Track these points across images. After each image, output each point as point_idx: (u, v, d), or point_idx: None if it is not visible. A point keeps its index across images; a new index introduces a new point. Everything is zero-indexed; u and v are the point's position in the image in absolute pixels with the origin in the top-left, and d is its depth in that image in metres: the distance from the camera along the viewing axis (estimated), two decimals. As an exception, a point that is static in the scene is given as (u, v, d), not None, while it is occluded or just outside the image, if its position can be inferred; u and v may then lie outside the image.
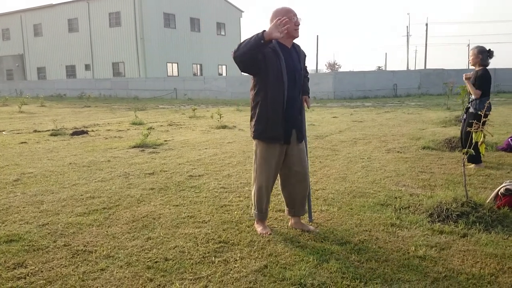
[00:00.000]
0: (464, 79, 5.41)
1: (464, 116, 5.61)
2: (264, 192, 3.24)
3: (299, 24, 3.10)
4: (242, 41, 2.91)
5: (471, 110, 5.36)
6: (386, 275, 2.59)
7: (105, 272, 2.67)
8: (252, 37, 2.85)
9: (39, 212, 3.83)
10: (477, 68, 5.35)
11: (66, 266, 2.76)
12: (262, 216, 3.33)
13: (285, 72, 3.05)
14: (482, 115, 3.79)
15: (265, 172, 3.20)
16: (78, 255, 2.92)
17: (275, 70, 3.02)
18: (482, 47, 5.35)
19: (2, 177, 5.21)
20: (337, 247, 3.01)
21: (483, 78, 5.25)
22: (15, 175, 5.33)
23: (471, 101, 5.41)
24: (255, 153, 3.26)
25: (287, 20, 2.87)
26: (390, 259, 2.81)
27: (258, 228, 3.32)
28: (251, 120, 3.22)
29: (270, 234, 3.24)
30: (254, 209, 3.36)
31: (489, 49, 5.30)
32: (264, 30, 2.83)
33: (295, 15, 3.08)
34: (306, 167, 3.32)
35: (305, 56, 3.30)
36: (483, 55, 5.28)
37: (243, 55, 2.86)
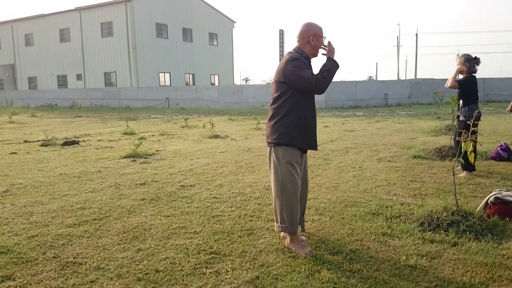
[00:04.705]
0: (456, 69, 5.48)
1: (457, 124, 5.68)
2: (294, 199, 3.11)
3: (323, 45, 3.24)
4: (317, 75, 3.04)
5: (461, 118, 5.43)
6: (378, 284, 2.59)
7: (95, 284, 2.64)
8: (332, 68, 3.09)
9: (29, 224, 3.78)
10: (465, 75, 5.44)
11: (55, 278, 2.72)
12: (295, 228, 3.12)
13: None
14: (471, 124, 3.84)
15: (294, 178, 3.11)
16: (68, 267, 2.89)
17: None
18: (468, 55, 5.44)
19: (-9, 188, 5.15)
20: (329, 256, 3.01)
21: (469, 83, 5.35)
22: (4, 186, 5.27)
23: (460, 108, 5.48)
24: (276, 163, 3.14)
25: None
26: (381, 268, 2.81)
27: (301, 250, 3.05)
28: (275, 127, 3.15)
29: (313, 252, 3.07)
30: (283, 224, 3.12)
31: (475, 57, 5.40)
32: (333, 59, 3.13)
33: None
34: (308, 176, 3.41)
35: None
36: (470, 62, 5.37)
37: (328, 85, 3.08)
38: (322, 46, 3.22)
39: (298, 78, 3.03)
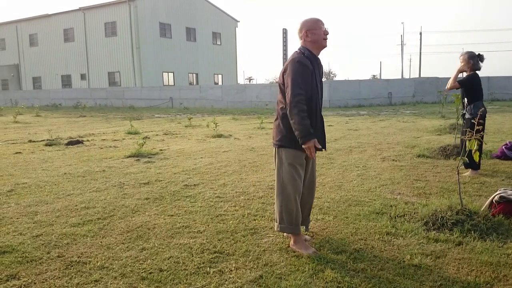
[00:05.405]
0: (457, 68, 5.44)
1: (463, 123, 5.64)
2: (293, 201, 3.08)
3: (328, 33, 3.11)
4: (298, 103, 2.93)
5: (467, 116, 5.40)
6: (382, 284, 2.58)
7: (99, 284, 2.65)
8: (301, 128, 2.91)
9: (33, 223, 3.80)
10: (468, 73, 5.41)
11: (59, 277, 2.73)
12: (294, 229, 3.10)
13: (318, 83, 3.09)
14: (476, 123, 3.82)
15: (295, 181, 3.08)
16: (72, 266, 2.90)
17: (310, 81, 3.03)
18: (471, 52, 5.41)
19: (-4, 188, 5.17)
20: (333, 256, 3.01)
21: (472, 81, 5.31)
22: (9, 185, 5.29)
23: (465, 106, 5.45)
24: (279, 164, 3.13)
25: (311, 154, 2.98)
26: (385, 268, 2.80)
27: (305, 251, 3.04)
28: (279, 128, 3.12)
29: (317, 252, 3.06)
30: (282, 224, 3.11)
31: (479, 53, 5.37)
32: (307, 141, 2.92)
33: (323, 24, 3.09)
34: (316, 177, 3.37)
35: (322, 67, 3.31)
36: (473, 59, 5.34)
37: (291, 116, 2.97)
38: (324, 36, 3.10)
39: (288, 83, 3.00)
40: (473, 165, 5.30)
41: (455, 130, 8.03)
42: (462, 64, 5.41)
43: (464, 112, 5.50)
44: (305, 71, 2.99)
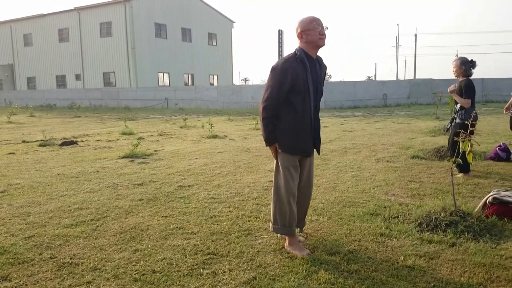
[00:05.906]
0: (449, 92, 5.43)
1: (448, 126, 5.64)
2: (286, 204, 3.08)
3: (324, 33, 3.06)
4: (266, 108, 3.04)
5: (457, 120, 5.40)
6: (375, 285, 2.58)
7: (92, 285, 2.63)
8: (264, 133, 3.08)
9: (25, 224, 3.77)
10: (460, 79, 5.39)
11: (51, 279, 2.71)
12: (288, 231, 3.11)
13: (311, 84, 3.05)
14: (469, 124, 3.83)
15: (288, 183, 3.08)
16: (64, 267, 2.88)
17: (301, 83, 2.99)
18: (464, 58, 5.41)
19: (-12, 189, 5.13)
20: (327, 257, 3.00)
21: (468, 88, 5.29)
22: (1, 186, 5.25)
23: (456, 112, 5.45)
24: (276, 165, 3.15)
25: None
26: (379, 269, 2.80)
27: (299, 253, 3.04)
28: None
29: (311, 254, 3.05)
30: (276, 225, 3.14)
31: (471, 60, 5.36)
32: (271, 144, 3.11)
33: (319, 24, 3.04)
34: (312, 180, 3.35)
35: (326, 68, 3.28)
36: (465, 65, 5.33)
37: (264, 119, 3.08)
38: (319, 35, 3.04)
39: (266, 86, 3.06)
40: (465, 168, 5.31)
41: (447, 132, 8.06)
42: (454, 69, 5.40)
43: (455, 116, 5.50)
44: (286, 78, 2.97)
